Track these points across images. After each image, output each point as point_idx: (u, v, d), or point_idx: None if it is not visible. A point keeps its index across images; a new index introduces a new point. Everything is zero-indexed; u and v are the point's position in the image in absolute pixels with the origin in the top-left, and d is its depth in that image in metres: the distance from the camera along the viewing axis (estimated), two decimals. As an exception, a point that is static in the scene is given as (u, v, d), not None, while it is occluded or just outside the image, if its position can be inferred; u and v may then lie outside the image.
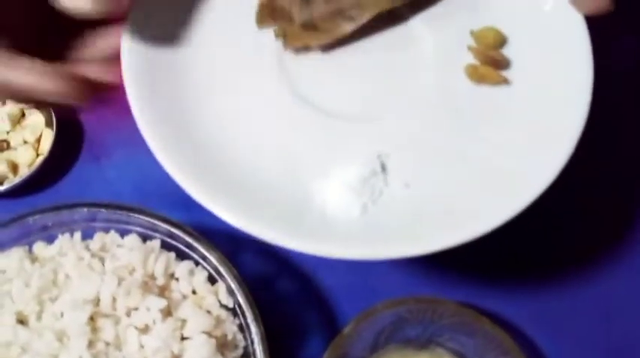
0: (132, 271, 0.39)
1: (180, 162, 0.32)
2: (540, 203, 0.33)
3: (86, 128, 0.53)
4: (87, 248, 0.40)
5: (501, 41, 0.36)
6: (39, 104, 0.45)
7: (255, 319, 0.37)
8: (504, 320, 0.46)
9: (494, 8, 0.36)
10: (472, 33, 0.36)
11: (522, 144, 0.34)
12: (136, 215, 0.40)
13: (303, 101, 0.34)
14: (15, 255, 0.39)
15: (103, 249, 0.40)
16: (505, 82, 0.35)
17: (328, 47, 0.35)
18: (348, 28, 0.35)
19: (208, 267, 0.40)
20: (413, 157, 0.34)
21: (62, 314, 0.37)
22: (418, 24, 0.37)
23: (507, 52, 0.36)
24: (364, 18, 0.35)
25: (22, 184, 0.48)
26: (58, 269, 0.39)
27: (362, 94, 0.35)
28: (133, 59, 0.33)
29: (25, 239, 0.41)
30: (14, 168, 0.50)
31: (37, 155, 0.50)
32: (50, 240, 0.41)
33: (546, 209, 0.34)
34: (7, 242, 0.40)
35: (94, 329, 0.37)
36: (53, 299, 0.38)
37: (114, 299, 0.37)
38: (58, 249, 0.40)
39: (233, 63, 0.35)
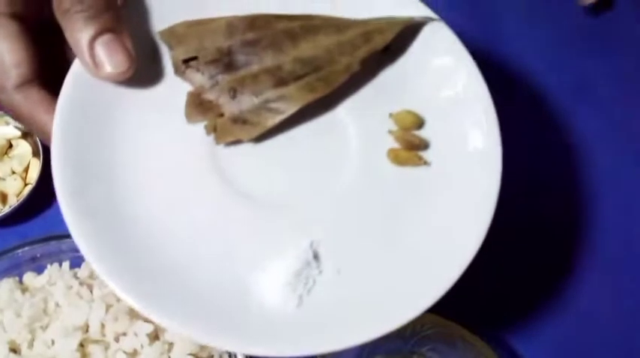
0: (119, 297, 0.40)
1: (110, 262, 0.31)
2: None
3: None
4: (75, 276, 0.42)
5: (419, 123, 0.38)
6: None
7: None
8: (483, 330, 0.48)
9: (410, 93, 0.38)
10: (391, 116, 0.38)
11: (443, 224, 0.35)
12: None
13: (235, 192, 0.34)
14: (5, 286, 0.40)
15: (91, 276, 0.42)
16: (424, 163, 0.37)
17: (258, 138, 0.36)
18: (275, 120, 0.36)
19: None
20: (343, 242, 0.34)
21: (53, 342, 0.38)
22: (341, 111, 0.38)
23: (425, 133, 0.38)
24: (290, 110, 0.36)
25: (11, 214, 0.49)
26: (48, 298, 0.40)
27: (291, 183, 0.36)
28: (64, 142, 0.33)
29: (16, 270, 0.42)
30: (3, 198, 0.51)
31: (25, 184, 0.52)
32: (39, 270, 0.42)
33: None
34: (-2, 273, 0.41)
35: (84, 355, 0.38)
36: (44, 328, 0.39)
37: (102, 326, 0.39)
38: (48, 279, 0.42)
39: (164, 154, 0.34)
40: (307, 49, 0.37)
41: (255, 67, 0.36)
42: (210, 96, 0.35)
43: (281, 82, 0.36)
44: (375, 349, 0.47)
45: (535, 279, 0.50)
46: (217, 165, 0.35)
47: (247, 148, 0.36)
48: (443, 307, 0.45)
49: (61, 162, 0.32)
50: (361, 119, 0.38)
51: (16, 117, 0.35)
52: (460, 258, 0.33)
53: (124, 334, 0.39)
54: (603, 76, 0.59)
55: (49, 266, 0.42)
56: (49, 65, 0.35)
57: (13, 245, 0.41)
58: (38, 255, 0.42)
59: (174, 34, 0.36)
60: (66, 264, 0.42)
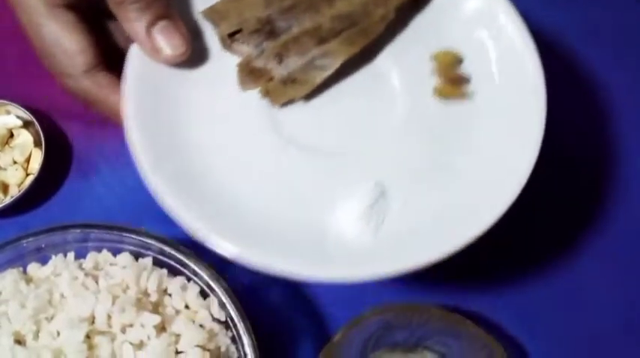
0: (125, 289, 0.40)
1: (191, 207, 0.35)
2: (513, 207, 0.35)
3: (74, 146, 0.54)
4: (80, 267, 0.41)
5: (459, 60, 0.41)
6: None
7: (247, 331, 0.39)
8: (488, 322, 0.48)
9: (447, 33, 0.41)
10: (431, 56, 0.41)
11: (494, 150, 0.38)
12: (128, 234, 0.41)
13: (297, 146, 0.38)
14: (9, 277, 0.40)
15: (96, 267, 0.41)
16: (468, 96, 0.40)
17: (309, 95, 0.39)
18: (323, 75, 0.38)
19: (200, 282, 0.41)
20: (404, 177, 0.38)
21: (59, 333, 0.38)
22: (383, 59, 0.41)
23: (465, 69, 0.41)
24: (335, 65, 0.39)
25: (13, 204, 0.49)
26: (53, 289, 0.40)
27: (347, 131, 0.39)
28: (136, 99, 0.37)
29: (19, 261, 0.41)
30: (4, 188, 0.51)
31: (27, 175, 0.51)
32: (44, 260, 0.42)
33: (520, 211, 0.37)
34: (1, 264, 0.41)
35: (91, 347, 0.38)
36: (49, 319, 0.39)
37: (109, 317, 0.38)
38: (52, 270, 0.41)
39: (228, 121, 0.38)
40: (343, 6, 0.40)
41: (295, 31, 0.39)
42: (258, 63, 0.39)
43: (322, 40, 0.39)
44: (379, 341, 0.47)
45: (537, 272, 0.50)
46: (277, 124, 0.38)
47: (301, 106, 0.39)
48: (448, 299, 0.45)
49: (138, 135, 0.36)
50: (402, 63, 0.40)
51: (85, 101, 0.39)
52: (515, 180, 0.36)
53: (131, 325, 0.38)
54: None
55: (53, 256, 0.42)
56: (106, 50, 0.39)
57: (17, 235, 0.41)
58: (43, 246, 0.41)
59: (216, 12, 0.39)
60: (71, 255, 0.42)
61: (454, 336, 0.46)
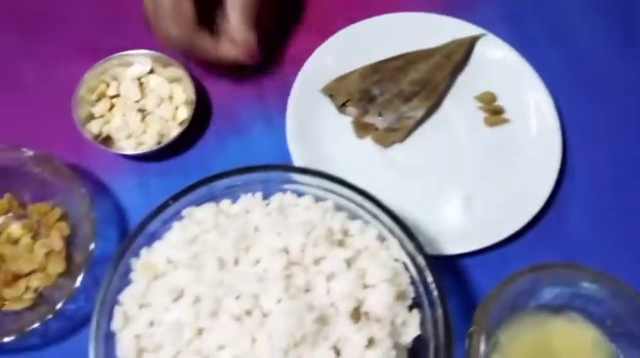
0: (312, 227, 0.43)
1: None
2: None
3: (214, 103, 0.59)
4: (266, 206, 0.44)
5: (495, 98, 0.60)
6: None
7: (431, 270, 0.41)
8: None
9: (484, 81, 0.60)
10: (477, 97, 0.60)
11: (527, 161, 0.57)
12: (311, 176, 0.44)
13: (397, 169, 0.57)
14: (209, 210, 0.43)
15: (281, 208, 0.44)
16: (506, 121, 0.59)
17: (404, 137, 0.58)
18: (412, 123, 0.58)
19: (379, 225, 0.44)
20: (478, 182, 0.56)
21: (258, 261, 0.41)
22: (447, 104, 0.60)
23: (500, 103, 0.60)
24: (419, 115, 0.58)
25: (170, 145, 0.54)
26: (247, 223, 0.43)
27: (435, 156, 0.57)
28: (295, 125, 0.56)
29: (212, 197, 0.45)
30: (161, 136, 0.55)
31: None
32: (233, 198, 0.45)
33: None
34: (197, 199, 0.44)
35: (287, 276, 0.40)
36: (246, 249, 0.42)
37: (302, 250, 0.41)
38: (243, 206, 0.44)
39: (351, 152, 0.57)
40: (414, 74, 0.59)
41: (387, 96, 0.58)
42: (366, 120, 0.58)
43: (407, 99, 0.58)
44: (527, 302, 0.49)
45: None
46: (385, 156, 0.57)
47: (401, 144, 0.58)
48: (600, 263, 0.47)
49: (294, 137, 0.55)
50: (459, 104, 0.59)
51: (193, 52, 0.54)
52: (549, 178, 0.55)
53: (323, 258, 0.41)
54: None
55: (242, 195, 0.45)
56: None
57: (212, 174, 0.44)
58: (235, 185, 0.45)
59: (329, 88, 0.58)
60: (258, 195, 0.45)
61: (606, 299, 0.47)
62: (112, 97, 0.57)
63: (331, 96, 0.58)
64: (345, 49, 0.59)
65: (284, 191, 0.46)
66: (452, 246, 0.52)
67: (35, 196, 0.53)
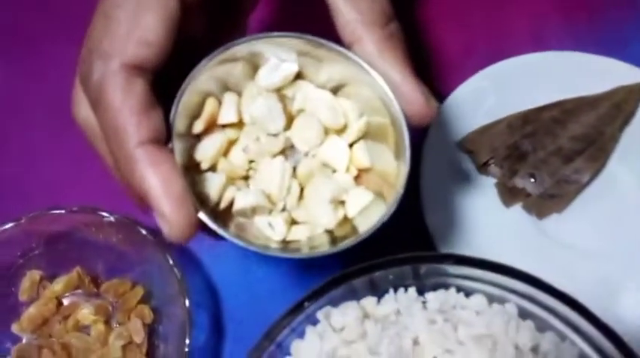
0: (494, 344, 0.31)
1: None
2: None
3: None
4: (424, 307, 0.33)
5: None
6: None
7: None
8: None
9: None
10: None
11: None
12: (484, 271, 0.33)
13: (554, 243, 0.45)
14: (352, 312, 0.32)
15: (444, 311, 0.33)
16: None
17: (565, 206, 0.46)
18: (578, 189, 0.46)
19: (579, 340, 0.32)
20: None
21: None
22: (613, 162, 0.47)
23: None
24: (586, 178, 0.46)
25: None
26: (403, 333, 0.32)
27: (606, 235, 0.45)
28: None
29: (351, 292, 0.34)
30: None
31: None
32: (377, 293, 0.34)
33: None
34: (336, 296, 0.33)
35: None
36: (405, 371, 0.31)
37: (484, 377, 0.30)
38: (393, 307, 0.33)
39: (499, 221, 0.45)
40: (575, 128, 0.47)
41: (541, 153, 0.46)
42: (514, 183, 0.46)
43: (567, 159, 0.46)
44: None
45: None
46: (539, 229, 0.45)
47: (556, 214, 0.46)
48: None
49: (430, 205, 0.44)
50: (626, 162, 0.47)
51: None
52: None
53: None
54: None
55: (391, 290, 0.34)
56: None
57: (359, 267, 0.33)
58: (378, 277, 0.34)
59: (470, 142, 0.47)
60: (412, 290, 0.34)
61: None
62: (226, 126, 0.32)
63: (471, 152, 0.46)
64: (486, 92, 0.48)
65: (446, 286, 0.34)
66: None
67: (111, 270, 0.42)
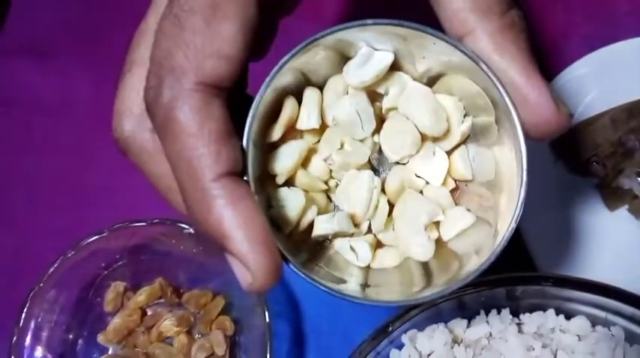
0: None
1: None
2: None
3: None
4: (519, 330, 0.31)
5: None
6: None
7: None
8: None
9: None
10: None
11: None
12: (584, 293, 0.30)
13: None
14: (439, 336, 0.30)
15: (542, 335, 0.31)
16: None
17: None
18: None
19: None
20: None
21: None
22: None
23: None
24: None
25: None
26: (496, 359, 0.29)
27: None
28: None
29: (439, 316, 0.32)
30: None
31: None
32: (465, 314, 0.32)
33: None
34: (421, 320, 0.31)
35: None
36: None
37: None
38: (485, 330, 0.31)
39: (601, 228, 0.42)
40: None
41: None
42: (619, 183, 0.42)
43: None
44: None
45: None
46: None
47: None
48: None
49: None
50: None
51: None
52: None
53: None
54: None
55: (482, 312, 0.32)
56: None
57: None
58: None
59: (568, 139, 0.42)
60: (506, 312, 0.31)
61: None
62: (304, 131, 0.27)
63: (568, 151, 0.42)
64: (587, 82, 0.43)
65: (544, 307, 0.31)
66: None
67: (192, 281, 0.42)
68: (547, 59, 0.46)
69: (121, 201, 0.46)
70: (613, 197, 0.42)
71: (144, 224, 0.40)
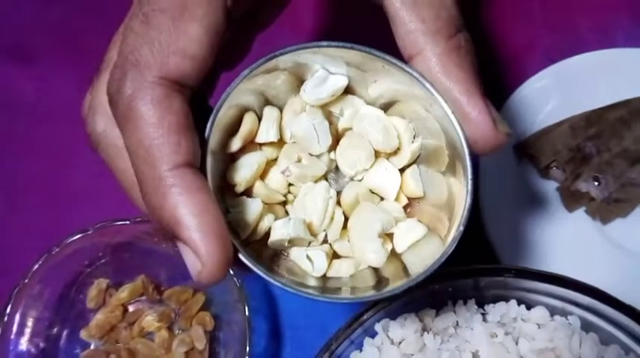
0: (557, 356, 0.31)
1: None
2: None
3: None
4: (484, 320, 0.33)
5: None
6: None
7: None
8: None
9: None
10: None
11: None
12: (546, 284, 0.32)
13: (629, 256, 0.43)
14: (411, 325, 0.32)
15: (505, 324, 0.33)
16: None
17: (630, 210, 0.44)
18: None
19: (644, 354, 0.31)
20: None
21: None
22: None
23: None
24: None
25: None
26: (463, 345, 0.31)
27: None
28: None
29: (411, 306, 0.34)
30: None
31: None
32: (435, 305, 0.34)
33: None
34: (395, 309, 0.33)
35: None
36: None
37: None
38: (452, 319, 0.33)
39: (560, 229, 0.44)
40: None
41: (606, 156, 0.44)
42: (577, 186, 0.44)
43: (634, 161, 0.44)
44: None
45: None
46: (604, 235, 0.44)
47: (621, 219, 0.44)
48: None
49: (489, 210, 0.43)
50: None
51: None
52: None
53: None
54: None
55: (449, 302, 0.34)
56: None
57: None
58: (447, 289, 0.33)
59: (530, 145, 0.45)
60: (472, 303, 0.33)
61: None
62: (263, 145, 0.29)
63: (531, 155, 0.45)
64: (548, 92, 0.46)
65: (506, 298, 0.34)
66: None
67: (173, 278, 0.44)
68: (511, 70, 0.49)
69: (104, 201, 0.47)
70: (571, 199, 0.44)
71: (127, 223, 0.42)
